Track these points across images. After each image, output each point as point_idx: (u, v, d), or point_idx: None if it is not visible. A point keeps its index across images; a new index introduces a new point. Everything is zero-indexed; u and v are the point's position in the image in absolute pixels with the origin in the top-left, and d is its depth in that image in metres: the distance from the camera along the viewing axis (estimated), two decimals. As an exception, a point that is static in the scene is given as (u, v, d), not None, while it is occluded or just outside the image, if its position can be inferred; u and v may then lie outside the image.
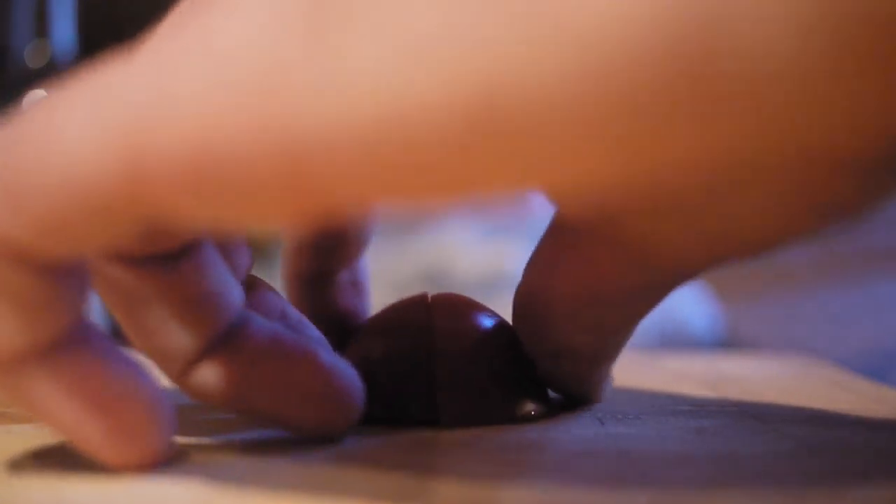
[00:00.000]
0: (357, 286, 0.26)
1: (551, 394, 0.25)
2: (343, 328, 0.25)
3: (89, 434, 0.17)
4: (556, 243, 0.23)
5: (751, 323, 0.73)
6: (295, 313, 0.22)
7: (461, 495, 0.16)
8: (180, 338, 0.19)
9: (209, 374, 0.19)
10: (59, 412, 0.17)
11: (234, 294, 0.20)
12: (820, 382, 0.33)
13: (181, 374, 0.19)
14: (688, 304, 0.65)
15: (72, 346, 0.17)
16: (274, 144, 0.14)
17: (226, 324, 0.19)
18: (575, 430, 0.22)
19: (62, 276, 0.16)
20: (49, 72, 0.63)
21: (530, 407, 0.24)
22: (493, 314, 0.25)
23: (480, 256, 0.62)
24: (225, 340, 0.19)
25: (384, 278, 0.61)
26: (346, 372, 0.20)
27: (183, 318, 0.19)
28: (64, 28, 0.64)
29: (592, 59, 0.12)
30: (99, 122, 0.15)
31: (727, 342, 0.67)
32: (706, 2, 0.12)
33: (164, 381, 0.20)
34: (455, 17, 0.13)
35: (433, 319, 0.24)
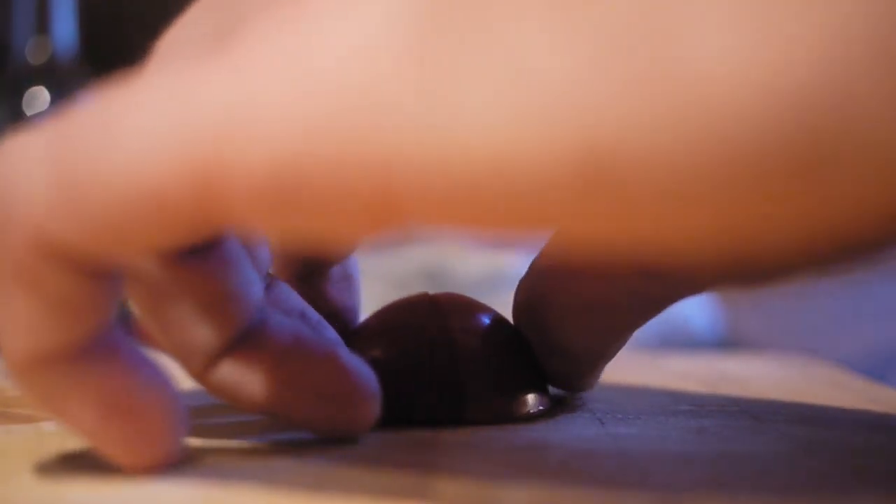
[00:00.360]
0: (349, 280, 0.26)
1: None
2: (337, 324, 0.25)
3: (107, 438, 0.17)
4: (564, 247, 0.23)
5: (751, 323, 0.73)
6: (314, 314, 0.22)
7: (462, 495, 0.16)
8: (203, 333, 0.19)
9: (230, 372, 0.19)
10: (79, 415, 0.16)
11: (256, 290, 0.20)
12: (820, 382, 0.33)
13: (202, 370, 0.19)
14: (688, 304, 0.65)
15: (97, 348, 0.16)
16: (369, 171, 0.13)
17: (248, 321, 0.19)
18: (575, 430, 0.22)
19: (100, 279, 0.16)
20: (50, 68, 0.63)
21: (536, 403, 0.24)
22: (495, 312, 0.25)
23: (480, 256, 0.62)
24: (246, 338, 0.19)
25: (384, 276, 0.61)
26: (365, 374, 0.20)
27: (206, 313, 0.19)
28: (65, 24, 0.64)
29: (720, 132, 0.12)
30: (171, 127, 0.14)
31: (727, 342, 0.67)
32: (841, 82, 0.12)
33: (180, 381, 0.19)
34: (580, 71, 0.12)
35: (438, 319, 0.24)
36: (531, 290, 0.24)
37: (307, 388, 0.20)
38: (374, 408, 0.20)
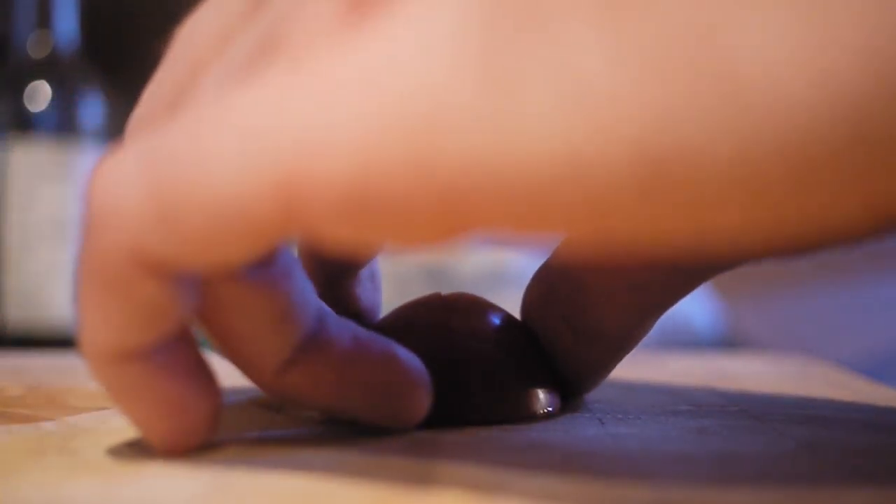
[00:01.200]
0: (374, 280, 0.26)
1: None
2: (361, 323, 0.25)
3: (153, 430, 0.18)
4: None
5: (751, 322, 0.73)
6: (331, 313, 0.22)
7: (461, 495, 0.16)
8: (272, 344, 0.19)
9: (300, 378, 0.20)
10: (134, 408, 0.18)
11: (314, 297, 0.20)
12: (820, 382, 0.33)
13: (273, 379, 0.20)
14: (689, 304, 0.65)
15: (166, 349, 0.18)
16: (436, 179, 0.14)
17: (310, 326, 0.20)
18: (575, 430, 0.22)
19: (183, 287, 0.17)
20: (51, 63, 0.63)
21: (547, 403, 0.24)
22: (505, 312, 0.25)
23: (481, 254, 0.62)
24: (311, 342, 0.20)
25: (385, 275, 0.61)
26: (418, 366, 0.21)
27: (274, 323, 0.19)
28: (66, 18, 0.64)
29: (774, 137, 0.12)
30: (256, 145, 0.15)
31: (728, 341, 0.67)
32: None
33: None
34: (634, 76, 0.13)
35: (451, 320, 0.24)
36: (558, 278, 0.24)
37: (372, 386, 0.20)
38: (429, 398, 0.21)
